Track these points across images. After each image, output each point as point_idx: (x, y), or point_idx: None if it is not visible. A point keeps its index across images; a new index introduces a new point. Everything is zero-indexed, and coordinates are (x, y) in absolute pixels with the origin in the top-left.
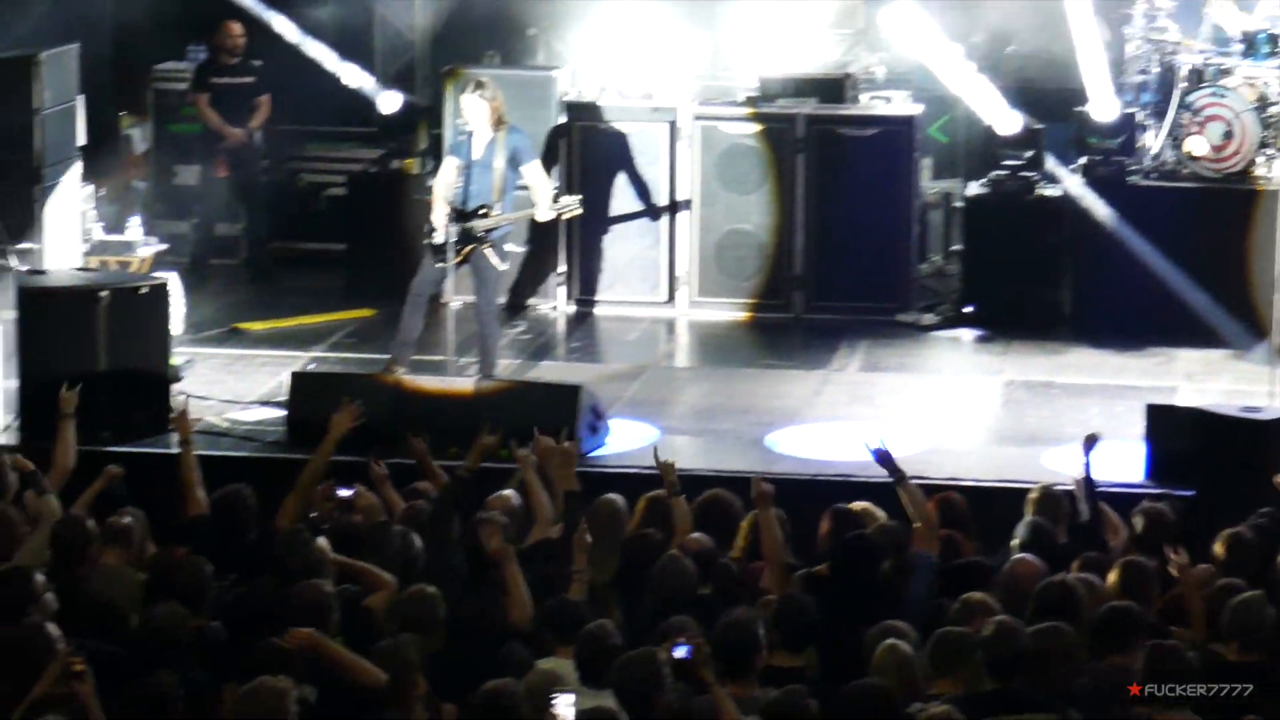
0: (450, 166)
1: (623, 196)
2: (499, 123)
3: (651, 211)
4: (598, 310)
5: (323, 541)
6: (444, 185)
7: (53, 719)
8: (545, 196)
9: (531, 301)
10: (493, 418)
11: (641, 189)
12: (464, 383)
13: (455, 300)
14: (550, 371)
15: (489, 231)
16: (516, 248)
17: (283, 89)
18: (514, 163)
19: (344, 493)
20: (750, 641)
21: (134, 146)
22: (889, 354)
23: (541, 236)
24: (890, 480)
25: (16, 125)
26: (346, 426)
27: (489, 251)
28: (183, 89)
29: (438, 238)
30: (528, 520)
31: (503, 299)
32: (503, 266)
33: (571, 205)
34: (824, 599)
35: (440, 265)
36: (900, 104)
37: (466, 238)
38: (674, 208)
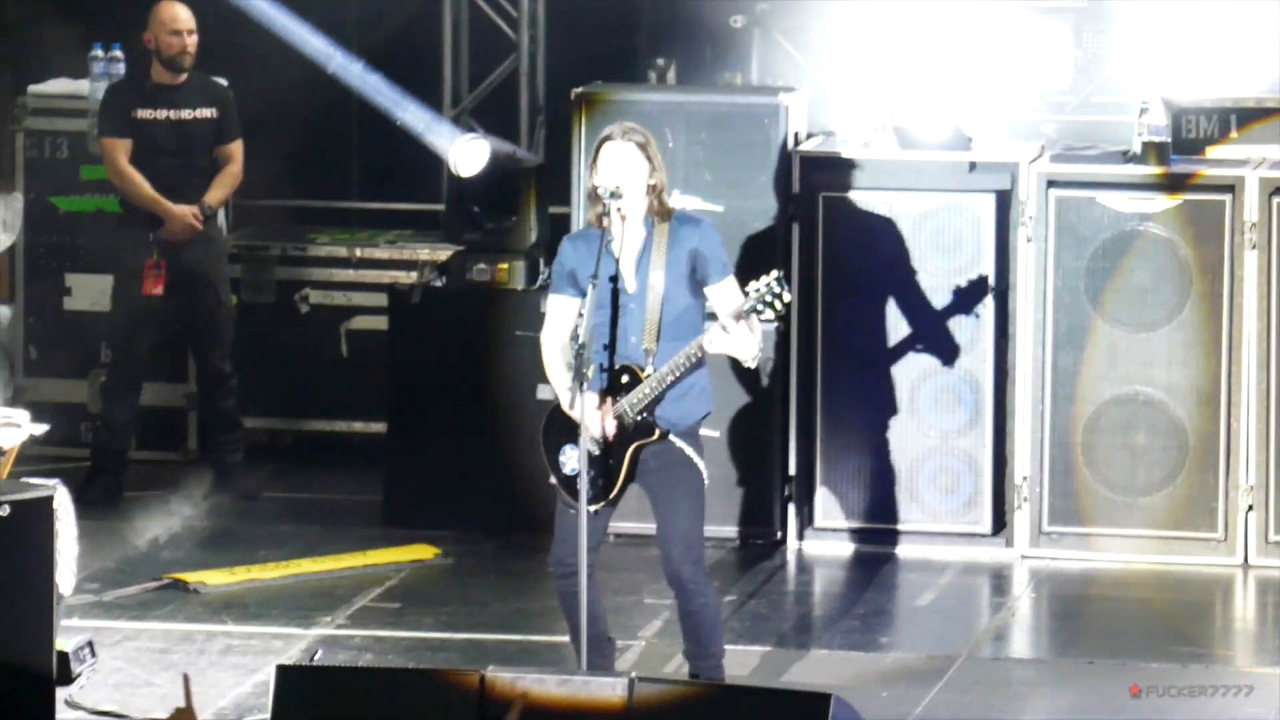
0: (564, 310)
1: (906, 328)
2: (664, 210)
3: (958, 356)
4: (859, 546)
5: None
6: (560, 347)
7: None
8: (728, 312)
9: (738, 532)
10: None
11: (943, 316)
12: (609, 687)
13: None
14: (779, 666)
15: (651, 409)
16: (711, 431)
17: None
18: (694, 280)
19: None
20: None
21: None
22: None
23: (755, 411)
24: None
25: None
26: None
27: (673, 443)
28: None
29: (569, 463)
30: None
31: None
32: (702, 464)
33: (765, 292)
34: None
35: (588, 509)
36: None
37: (622, 437)
38: (1005, 351)
